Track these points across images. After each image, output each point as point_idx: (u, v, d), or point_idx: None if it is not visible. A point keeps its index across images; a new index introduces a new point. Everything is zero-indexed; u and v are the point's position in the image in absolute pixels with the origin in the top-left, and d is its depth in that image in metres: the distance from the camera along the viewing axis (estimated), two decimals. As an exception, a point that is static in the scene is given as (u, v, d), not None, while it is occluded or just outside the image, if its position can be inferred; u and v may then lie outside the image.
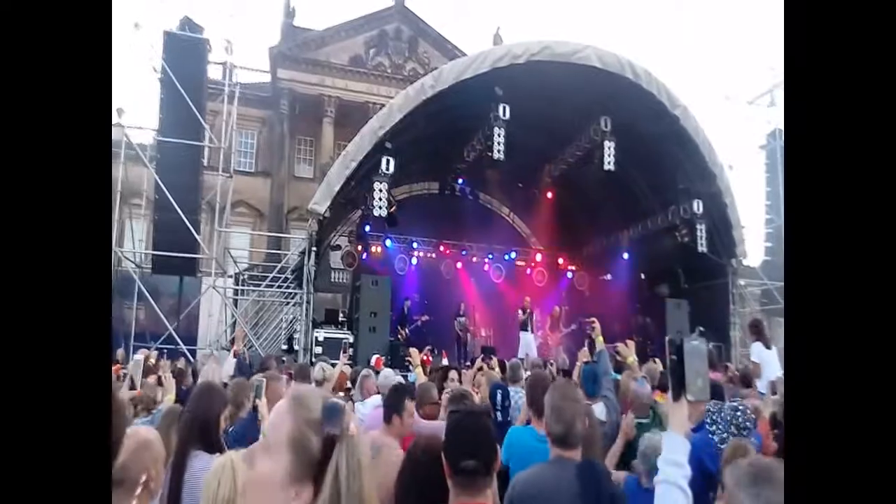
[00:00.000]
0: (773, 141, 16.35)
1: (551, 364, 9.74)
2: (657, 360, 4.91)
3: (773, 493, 1.46)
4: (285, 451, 1.00)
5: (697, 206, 11.19)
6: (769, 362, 5.14)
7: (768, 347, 5.24)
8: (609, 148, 10.67)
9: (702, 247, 11.27)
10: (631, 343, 4.49)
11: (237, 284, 13.31)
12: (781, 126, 16.61)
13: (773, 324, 16.75)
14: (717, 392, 3.48)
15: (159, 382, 4.15)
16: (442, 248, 15.25)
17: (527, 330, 11.58)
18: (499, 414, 3.81)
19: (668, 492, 1.55)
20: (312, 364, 6.73)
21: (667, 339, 1.69)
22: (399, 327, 12.33)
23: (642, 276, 14.13)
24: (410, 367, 5.58)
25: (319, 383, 4.27)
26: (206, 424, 2.40)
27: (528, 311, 11.82)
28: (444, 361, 8.99)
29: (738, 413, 2.86)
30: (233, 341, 7.20)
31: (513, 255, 15.76)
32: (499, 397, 4.20)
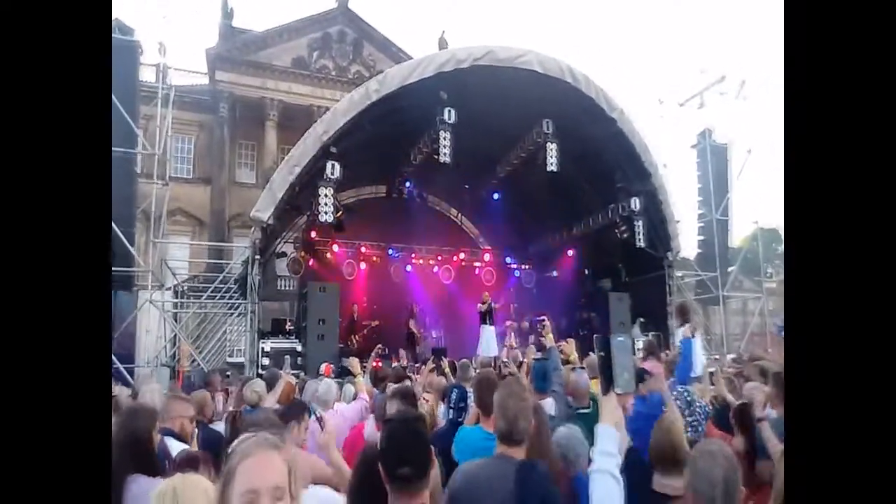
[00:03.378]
0: (703, 140, 17.26)
1: (504, 363, 9.90)
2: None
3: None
4: None
5: (635, 204, 11.73)
6: (694, 347, 5.42)
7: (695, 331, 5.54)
8: (552, 149, 11.00)
9: (640, 242, 11.81)
10: (571, 341, 4.67)
11: (176, 297, 12.72)
12: (711, 126, 17.62)
13: (709, 311, 17.77)
14: (641, 377, 3.71)
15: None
16: (391, 252, 15.21)
17: (486, 322, 11.69)
18: (451, 412, 3.85)
19: (601, 480, 1.65)
20: (260, 376, 6.54)
21: (594, 336, 1.80)
22: (349, 334, 12.19)
23: (586, 271, 14.64)
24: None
25: (255, 405, 4.16)
26: (137, 446, 2.31)
27: (489, 303, 11.96)
28: (395, 365, 8.94)
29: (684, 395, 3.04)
30: (173, 356, 6.89)
31: (461, 255, 15.94)
32: (454, 396, 4.25)
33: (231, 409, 4.61)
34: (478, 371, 5.24)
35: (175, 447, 2.88)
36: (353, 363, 4.91)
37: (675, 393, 3.30)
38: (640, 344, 8.35)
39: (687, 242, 15.73)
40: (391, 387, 4.36)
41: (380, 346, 8.09)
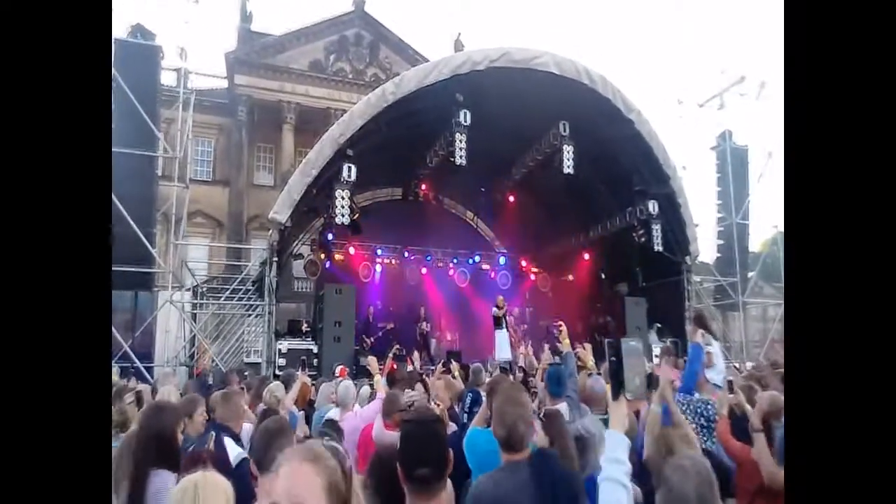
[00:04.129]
0: (723, 142, 17.02)
1: (519, 367, 9.84)
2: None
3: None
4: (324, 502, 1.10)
5: (653, 207, 11.58)
6: (715, 354, 5.34)
7: (714, 339, 5.45)
8: (568, 152, 10.92)
9: (658, 246, 11.66)
10: (588, 346, 4.63)
11: (195, 298, 12.92)
12: (731, 128, 17.37)
13: (728, 317, 17.46)
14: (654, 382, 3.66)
15: (138, 401, 4.02)
16: (406, 254, 15.25)
17: (502, 328, 11.65)
18: (465, 416, 3.85)
19: (611, 489, 1.62)
20: (276, 377, 6.62)
21: (606, 341, 1.77)
22: (364, 336, 12.25)
23: (602, 275, 14.50)
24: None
25: (274, 409, 4.19)
26: (162, 441, 2.36)
27: (504, 308, 11.90)
28: (410, 368, 8.97)
29: (708, 406, 2.99)
30: (192, 356, 7.00)
31: (477, 258, 15.91)
32: (468, 400, 4.28)
33: (247, 408, 4.65)
34: (492, 375, 5.24)
35: (232, 448, 2.91)
36: (372, 363, 4.91)
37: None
38: (657, 350, 8.25)
39: (705, 246, 15.52)
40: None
41: (397, 346, 8.10)
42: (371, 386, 5.37)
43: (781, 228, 19.76)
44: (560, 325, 4.54)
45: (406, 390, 4.74)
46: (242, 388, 5.06)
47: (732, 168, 16.34)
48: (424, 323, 13.49)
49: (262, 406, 4.22)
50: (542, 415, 2.92)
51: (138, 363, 10.02)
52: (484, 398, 3.88)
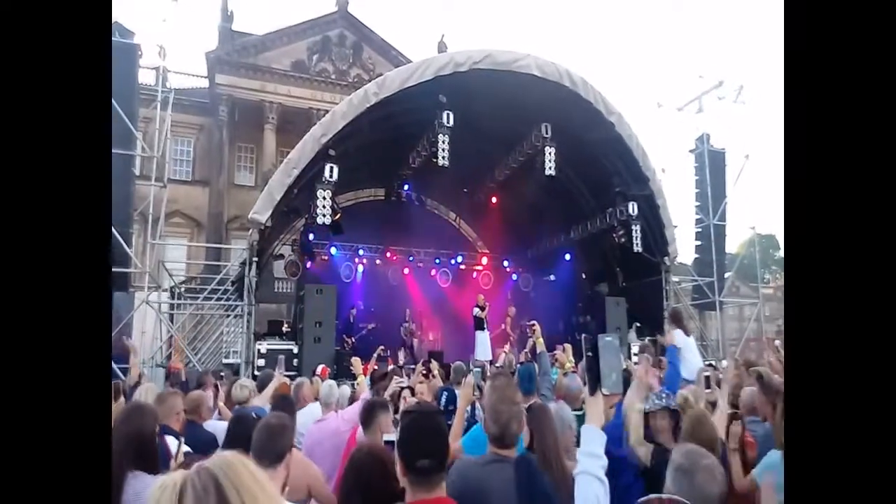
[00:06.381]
0: (702, 145, 17.29)
1: (496, 367, 9.87)
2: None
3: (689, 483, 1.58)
4: None
5: (633, 208, 11.73)
6: (689, 349, 5.47)
7: (687, 335, 5.59)
8: (550, 153, 11.01)
9: (637, 246, 11.82)
10: (568, 347, 4.68)
11: (173, 298, 12.71)
12: (709, 131, 17.67)
13: (705, 317, 17.78)
14: (627, 381, 3.73)
15: (115, 392, 3.96)
16: (388, 255, 15.22)
17: (483, 329, 11.66)
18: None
19: (586, 482, 1.65)
20: (255, 378, 6.55)
21: (582, 336, 1.80)
22: (345, 336, 12.17)
23: (584, 275, 14.65)
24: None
25: (244, 403, 4.14)
26: (140, 443, 2.31)
27: (485, 308, 11.92)
28: (390, 368, 8.96)
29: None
30: (169, 356, 6.89)
31: (459, 259, 15.95)
32: (443, 399, 4.32)
33: (222, 405, 4.61)
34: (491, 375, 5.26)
35: (173, 445, 2.87)
36: (356, 364, 4.88)
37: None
38: (636, 349, 8.37)
39: (684, 247, 15.76)
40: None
41: (382, 346, 8.08)
42: (352, 387, 5.34)
43: (758, 230, 20.20)
44: (534, 326, 4.56)
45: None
46: (215, 385, 5.00)
47: (710, 171, 16.62)
48: (411, 323, 13.48)
49: (235, 406, 4.18)
50: (527, 408, 2.95)
51: (114, 364, 9.81)
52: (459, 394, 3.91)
